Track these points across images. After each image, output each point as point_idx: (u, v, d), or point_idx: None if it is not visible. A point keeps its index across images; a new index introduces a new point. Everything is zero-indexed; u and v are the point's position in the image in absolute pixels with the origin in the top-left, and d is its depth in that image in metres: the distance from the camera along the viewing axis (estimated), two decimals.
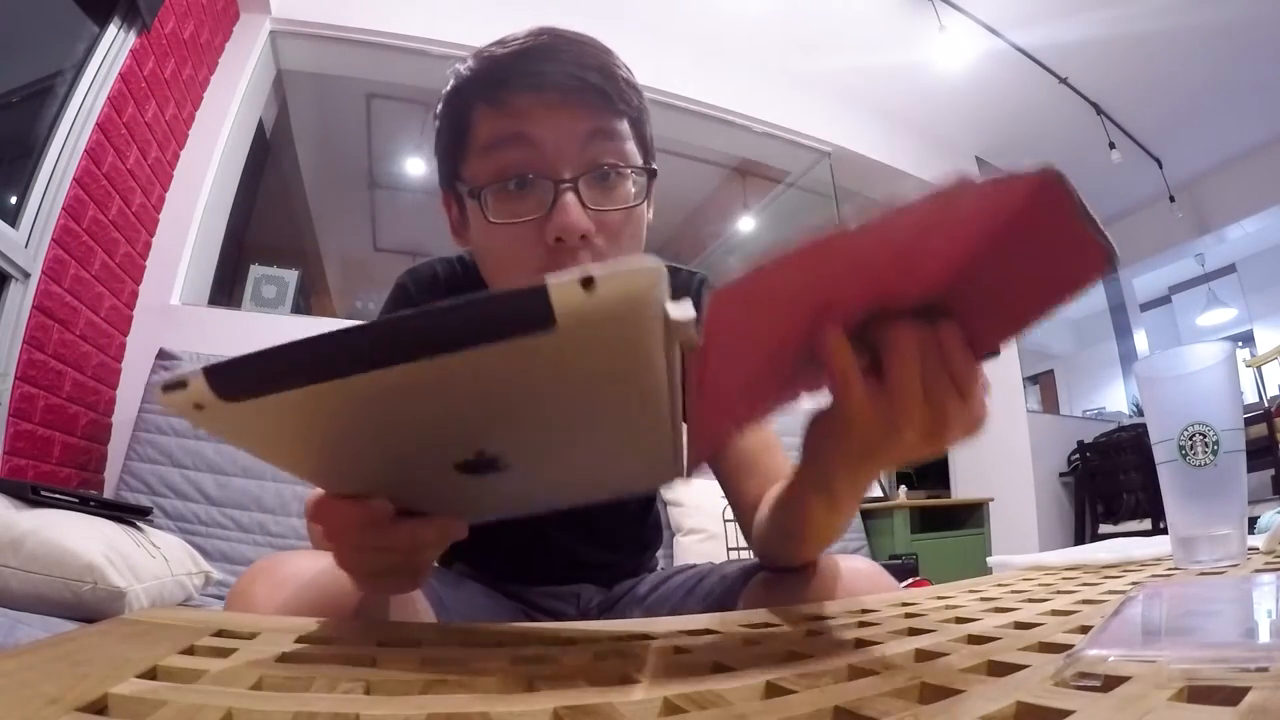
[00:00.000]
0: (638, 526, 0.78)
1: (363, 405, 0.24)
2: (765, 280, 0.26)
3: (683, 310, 0.23)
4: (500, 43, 0.53)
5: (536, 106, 0.50)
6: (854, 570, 0.53)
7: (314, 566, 0.44)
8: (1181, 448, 0.56)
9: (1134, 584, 0.47)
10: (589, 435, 0.30)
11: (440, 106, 0.56)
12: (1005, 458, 3.52)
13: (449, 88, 0.55)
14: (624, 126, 0.54)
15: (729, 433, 0.43)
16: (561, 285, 0.20)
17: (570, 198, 0.50)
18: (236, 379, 0.22)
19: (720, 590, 0.61)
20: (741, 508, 0.62)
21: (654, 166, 0.57)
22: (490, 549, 0.71)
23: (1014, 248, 0.28)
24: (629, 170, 0.53)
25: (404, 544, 0.34)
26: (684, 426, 0.31)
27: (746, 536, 0.62)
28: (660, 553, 0.86)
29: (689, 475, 0.35)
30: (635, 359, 0.24)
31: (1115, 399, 4.58)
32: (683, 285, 0.71)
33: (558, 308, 0.20)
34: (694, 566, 0.71)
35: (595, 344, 0.22)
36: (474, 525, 0.49)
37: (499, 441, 0.28)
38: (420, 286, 0.66)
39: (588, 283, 0.20)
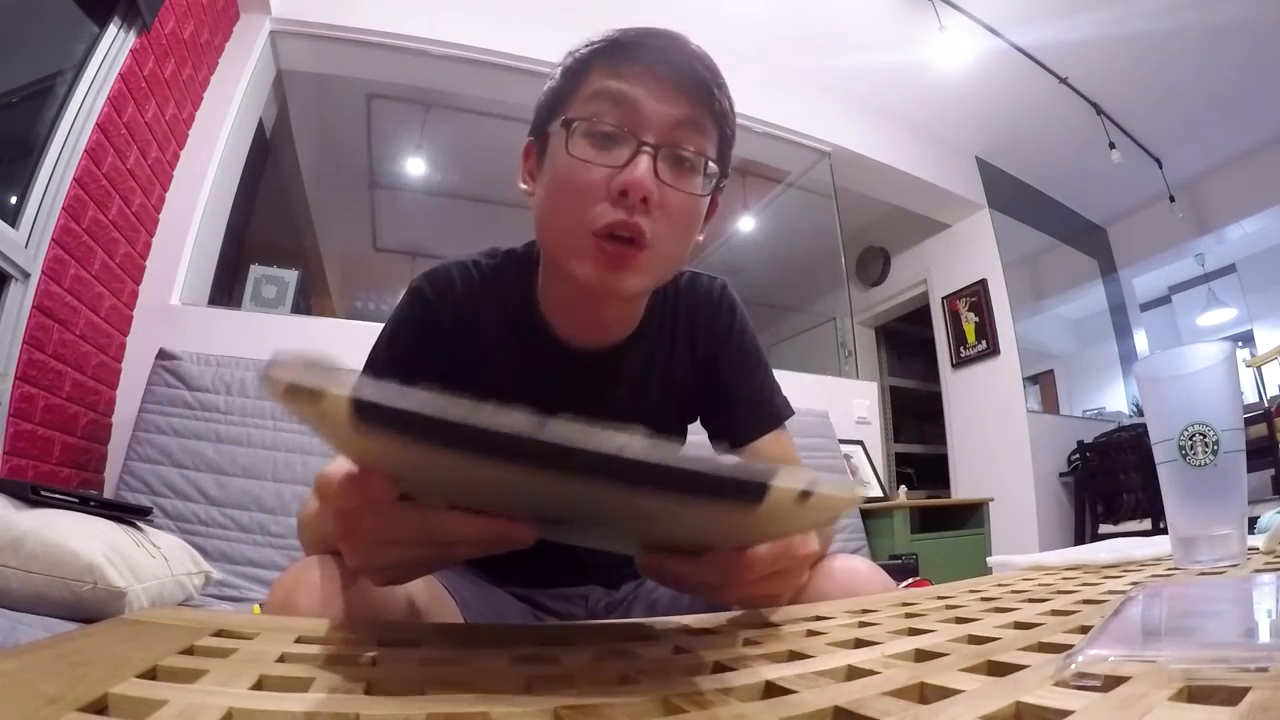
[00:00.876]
0: None
1: (489, 471, 0.22)
2: None
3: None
4: (632, 26, 0.57)
5: (647, 78, 0.54)
6: (850, 570, 0.55)
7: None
8: (1181, 448, 0.56)
9: (1134, 584, 0.47)
10: (668, 534, 0.31)
11: (564, 60, 0.59)
12: (1005, 458, 3.52)
13: (577, 47, 0.59)
14: (713, 130, 0.57)
15: None
16: (782, 490, 0.21)
17: (645, 160, 0.53)
18: (381, 419, 0.20)
19: None
20: None
21: (727, 173, 0.59)
22: (499, 554, 0.72)
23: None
24: (704, 162, 0.56)
25: (426, 525, 0.29)
26: None
27: None
28: None
29: None
30: (777, 534, 0.26)
31: (1115, 399, 4.57)
32: (704, 290, 0.72)
33: (768, 501, 0.21)
34: None
35: (766, 524, 0.24)
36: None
37: (587, 521, 0.28)
38: (439, 292, 0.66)
39: (804, 496, 0.22)
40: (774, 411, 0.72)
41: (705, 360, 0.70)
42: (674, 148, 0.54)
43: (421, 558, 0.31)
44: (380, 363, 0.66)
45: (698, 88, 0.55)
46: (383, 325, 0.68)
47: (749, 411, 0.71)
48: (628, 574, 0.77)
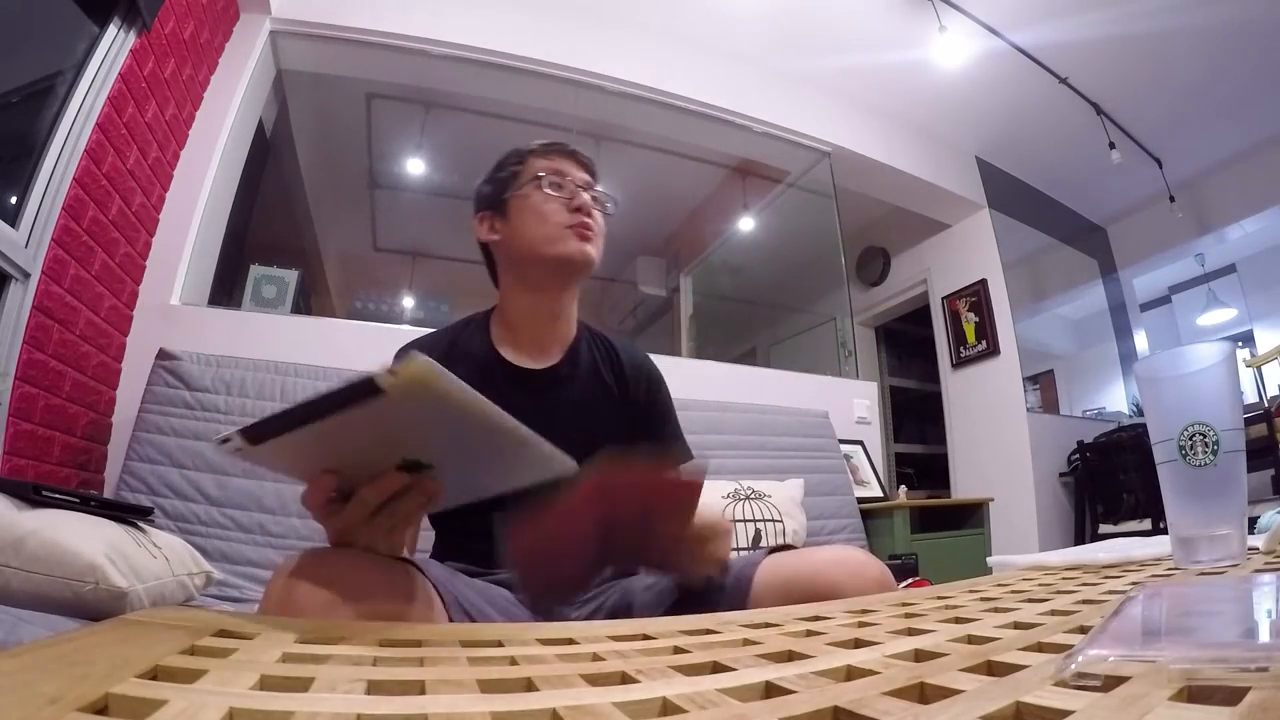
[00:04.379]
0: None
1: (322, 437, 0.42)
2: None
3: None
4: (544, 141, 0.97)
5: (567, 162, 0.94)
6: (853, 556, 0.67)
7: (356, 569, 0.54)
8: (1181, 448, 0.56)
9: (1134, 584, 0.47)
10: (473, 450, 0.49)
11: (505, 157, 0.97)
12: (1005, 458, 3.52)
13: (515, 149, 0.97)
14: (598, 184, 0.96)
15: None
16: (379, 376, 0.37)
17: (585, 194, 0.92)
18: (257, 432, 0.42)
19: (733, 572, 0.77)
20: None
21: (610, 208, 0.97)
22: (473, 543, 0.84)
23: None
24: (604, 195, 0.96)
25: (356, 505, 0.50)
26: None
27: None
28: None
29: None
30: (446, 406, 0.40)
31: (1115, 399, 4.57)
32: (618, 340, 1.04)
33: (382, 385, 0.38)
34: None
35: (413, 401, 0.39)
36: (460, 526, 0.83)
37: (414, 452, 0.47)
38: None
39: (392, 373, 0.37)
40: (687, 447, 1.02)
41: (638, 390, 0.98)
42: (591, 192, 0.94)
43: (378, 526, 0.51)
44: None
45: (589, 165, 0.96)
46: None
47: (673, 440, 1.01)
48: None
